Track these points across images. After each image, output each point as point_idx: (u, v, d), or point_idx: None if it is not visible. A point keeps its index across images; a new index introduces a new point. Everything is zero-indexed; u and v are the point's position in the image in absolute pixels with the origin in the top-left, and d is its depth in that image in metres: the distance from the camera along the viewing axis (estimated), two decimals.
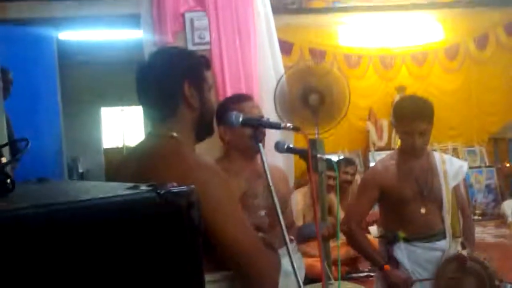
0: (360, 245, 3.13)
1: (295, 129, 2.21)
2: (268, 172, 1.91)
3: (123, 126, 12.84)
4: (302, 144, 2.27)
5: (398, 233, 3.00)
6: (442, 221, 3.03)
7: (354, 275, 5.33)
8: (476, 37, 8.86)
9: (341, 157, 6.87)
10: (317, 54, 8.21)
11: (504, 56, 8.81)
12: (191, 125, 1.80)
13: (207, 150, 2.31)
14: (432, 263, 2.98)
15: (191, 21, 4.41)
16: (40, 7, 6.04)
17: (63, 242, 0.87)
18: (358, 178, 5.87)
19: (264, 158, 1.95)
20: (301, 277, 1.88)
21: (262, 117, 2.54)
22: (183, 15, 4.43)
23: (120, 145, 12.85)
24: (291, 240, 2.29)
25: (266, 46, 4.64)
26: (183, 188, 0.99)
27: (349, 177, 5.64)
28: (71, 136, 8.28)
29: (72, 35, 8.43)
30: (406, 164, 3.02)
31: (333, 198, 5.18)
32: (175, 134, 1.75)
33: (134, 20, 4.95)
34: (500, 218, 7.70)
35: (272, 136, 3.16)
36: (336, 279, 4.32)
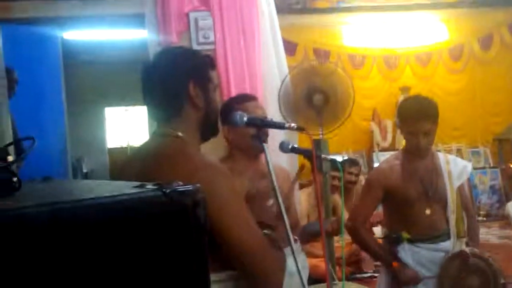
0: (366, 242, 3.14)
1: (300, 129, 2.21)
2: (272, 172, 1.91)
3: (127, 126, 12.85)
4: (307, 144, 2.27)
5: (402, 234, 3.00)
6: (447, 221, 3.03)
7: (358, 275, 5.32)
8: (481, 37, 8.84)
9: (345, 158, 6.86)
10: (321, 54, 8.22)
11: (509, 56, 8.78)
12: (196, 125, 1.80)
13: (212, 150, 2.31)
14: (436, 264, 2.98)
15: (196, 21, 4.41)
16: (45, 7, 6.06)
17: (68, 241, 0.88)
18: (362, 178, 5.86)
19: (269, 158, 1.95)
20: (305, 277, 1.88)
21: (266, 117, 2.54)
22: (187, 15, 4.43)
23: (125, 145, 12.86)
24: (295, 240, 2.29)
25: (270, 46, 4.64)
26: (189, 187, 0.99)
27: (353, 178, 5.63)
28: (76, 135, 8.30)
29: (76, 35, 8.44)
30: (410, 165, 3.02)
31: (338, 198, 5.17)
32: (180, 134, 1.75)
33: (138, 19, 4.96)
34: (504, 219, 7.68)
35: (276, 136, 3.17)
36: (340, 280, 4.32)
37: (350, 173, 5.60)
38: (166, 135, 1.78)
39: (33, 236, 0.84)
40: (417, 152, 2.98)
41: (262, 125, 2.12)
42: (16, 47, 4.80)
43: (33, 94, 5.16)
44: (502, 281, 2.89)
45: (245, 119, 2.01)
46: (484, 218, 7.94)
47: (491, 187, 8.43)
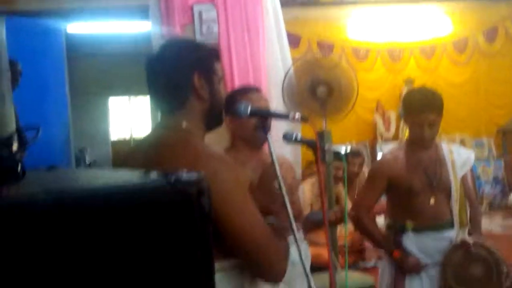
0: (369, 231, 3.15)
1: (304, 119, 2.21)
2: (276, 162, 1.91)
3: (130, 118, 12.87)
4: (310, 136, 2.28)
5: (406, 223, 3.01)
6: (450, 211, 3.04)
7: (361, 264, 5.33)
8: (485, 30, 8.82)
9: (349, 149, 6.86)
10: (325, 47, 8.20)
11: None
12: (200, 116, 1.81)
13: (215, 141, 2.32)
14: (440, 252, 2.99)
15: (200, 13, 4.40)
16: None
17: (73, 228, 0.88)
18: (365, 169, 5.86)
19: (272, 148, 1.95)
20: (308, 266, 1.88)
21: (269, 108, 2.54)
22: (191, 8, 4.42)
23: (128, 137, 12.89)
24: (297, 229, 2.30)
25: (274, 39, 4.63)
26: (193, 175, 0.99)
27: (356, 169, 5.63)
28: (79, 127, 8.32)
29: (80, 28, 8.44)
30: (414, 155, 3.02)
31: (341, 189, 5.19)
32: (184, 125, 1.75)
33: (142, 12, 4.96)
34: (507, 210, 7.69)
35: (279, 128, 3.17)
36: (342, 268, 4.33)
37: (353, 164, 5.60)
38: (170, 126, 1.78)
39: (39, 223, 0.85)
40: (421, 143, 2.99)
41: (266, 116, 2.12)
42: (19, 39, 4.82)
43: (37, 86, 5.17)
44: (505, 269, 2.89)
45: (249, 109, 2.01)
46: (487, 209, 7.95)
47: (495, 178, 8.44)
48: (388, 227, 3.22)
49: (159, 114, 1.90)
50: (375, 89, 8.49)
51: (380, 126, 8.48)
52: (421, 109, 2.89)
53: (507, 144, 8.81)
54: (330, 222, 3.05)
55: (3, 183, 0.97)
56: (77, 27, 8.27)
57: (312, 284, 1.82)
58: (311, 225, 2.80)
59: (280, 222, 1.87)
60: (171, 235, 0.99)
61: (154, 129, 1.90)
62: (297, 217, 2.21)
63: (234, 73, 4.44)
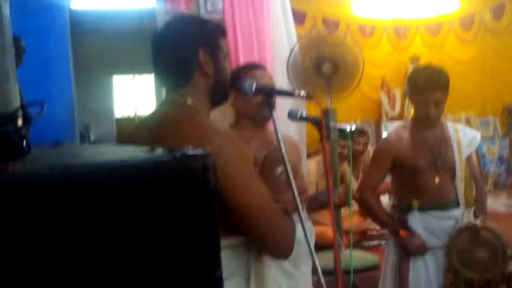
0: (374, 212, 3.15)
1: (309, 97, 2.20)
2: (281, 139, 1.91)
3: (134, 95, 12.86)
4: (315, 114, 2.27)
5: (412, 202, 3.01)
6: (455, 190, 3.04)
7: (365, 243, 5.34)
8: (492, 7, 8.71)
9: (353, 127, 6.83)
10: (331, 24, 8.13)
11: None
12: (205, 92, 1.80)
13: (219, 117, 2.31)
14: (445, 231, 3.00)
15: None
16: None
17: (78, 203, 0.88)
18: (370, 148, 5.85)
19: (278, 126, 1.94)
20: (312, 245, 1.88)
21: (274, 85, 2.53)
22: None
23: (132, 115, 12.89)
24: (302, 208, 2.30)
25: (279, 15, 4.60)
26: (199, 151, 0.99)
27: (361, 147, 5.62)
28: (83, 104, 8.31)
29: (84, 4, 8.39)
30: (420, 134, 3.01)
31: (346, 168, 5.18)
32: (189, 101, 1.75)
33: None
34: None
35: (283, 106, 3.16)
36: (346, 247, 4.34)
37: (358, 143, 5.59)
38: (175, 102, 1.78)
39: (44, 199, 0.84)
40: (426, 121, 2.97)
41: (271, 93, 2.11)
42: (23, 16, 4.79)
43: (40, 63, 5.16)
44: (510, 252, 2.90)
45: (254, 86, 2.00)
46: (492, 188, 7.94)
47: (500, 157, 8.42)
48: (393, 206, 3.23)
49: (163, 91, 1.89)
50: (380, 67, 8.44)
51: (385, 104, 8.44)
52: (427, 88, 2.87)
53: None
54: (334, 205, 3.06)
55: (8, 158, 0.97)
56: (81, 3, 8.23)
57: (317, 262, 1.82)
58: (316, 205, 2.80)
59: (282, 207, 1.87)
60: (176, 210, 0.98)
61: (159, 106, 1.90)
62: (301, 195, 2.21)
63: (239, 50, 4.42)
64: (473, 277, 2.90)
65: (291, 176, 1.88)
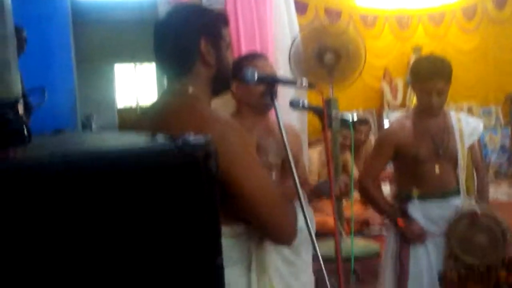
0: (375, 200, 3.15)
1: (310, 86, 2.20)
2: (282, 128, 1.91)
3: (136, 86, 12.85)
4: (317, 104, 2.27)
5: (412, 191, 3.02)
6: (457, 179, 3.04)
7: (366, 232, 5.37)
8: None
9: (355, 116, 6.84)
10: (333, 14, 8.10)
11: None
12: (207, 82, 1.80)
13: (221, 107, 2.31)
14: (446, 220, 3.00)
15: None
16: None
17: (79, 190, 0.88)
18: (372, 137, 5.85)
19: (279, 114, 1.94)
20: (313, 232, 1.89)
21: (276, 75, 2.53)
22: None
23: (134, 105, 12.89)
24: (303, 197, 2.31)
25: (282, 5, 4.59)
26: (201, 138, 0.98)
27: (362, 137, 5.63)
28: (85, 94, 8.30)
29: None
30: (422, 123, 3.01)
31: (348, 157, 5.19)
32: (190, 91, 1.75)
33: None
34: None
35: (285, 95, 3.16)
36: (347, 235, 4.36)
37: (360, 132, 5.60)
38: (176, 92, 1.78)
39: (45, 186, 0.84)
40: (429, 111, 2.97)
41: (273, 82, 2.11)
42: (24, 5, 4.78)
43: (42, 53, 5.15)
44: (510, 238, 2.90)
45: (256, 75, 2.00)
46: (494, 177, 7.95)
47: (502, 146, 8.42)
48: (395, 195, 3.24)
49: (165, 81, 1.89)
50: (382, 57, 8.42)
51: (387, 94, 8.43)
52: (430, 77, 2.87)
53: None
54: (335, 196, 3.06)
55: (9, 146, 0.97)
56: None
57: (318, 249, 1.83)
58: (318, 195, 2.81)
59: (285, 190, 1.88)
60: (177, 198, 0.98)
61: (161, 96, 1.90)
62: (302, 185, 2.21)
63: (241, 40, 4.41)
64: (473, 262, 2.91)
65: (292, 164, 1.88)
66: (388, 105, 8.41)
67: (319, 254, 1.81)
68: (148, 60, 11.40)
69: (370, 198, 3.19)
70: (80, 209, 0.88)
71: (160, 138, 1.01)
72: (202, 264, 1.00)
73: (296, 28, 4.63)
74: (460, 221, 2.96)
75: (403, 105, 8.30)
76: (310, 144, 5.59)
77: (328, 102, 4.04)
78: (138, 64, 12.67)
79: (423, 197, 3.02)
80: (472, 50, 8.73)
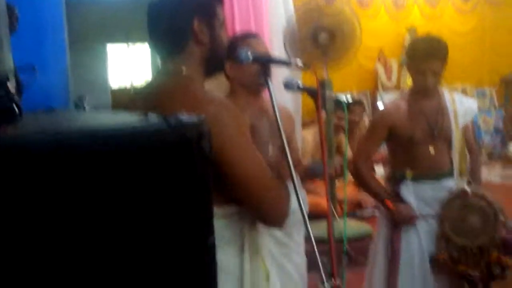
0: (366, 182, 3.14)
1: (305, 66, 2.19)
2: (276, 108, 1.90)
3: (129, 66, 12.78)
4: (311, 84, 2.26)
5: (406, 172, 3.01)
6: (451, 160, 3.04)
7: (358, 213, 5.39)
8: None
9: (349, 98, 6.83)
10: None
11: None
12: (200, 61, 1.78)
13: (215, 88, 2.29)
14: (438, 201, 3.00)
15: None
16: None
17: (71, 169, 0.87)
18: (365, 119, 5.85)
19: (273, 94, 1.93)
20: (306, 214, 1.89)
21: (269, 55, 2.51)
22: None
23: (128, 86, 12.83)
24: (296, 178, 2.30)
25: None
26: (194, 118, 0.98)
27: (356, 118, 5.62)
28: (78, 74, 8.24)
29: None
30: (416, 104, 3.00)
31: (342, 138, 5.19)
32: (184, 71, 1.73)
33: None
34: (506, 160, 7.73)
35: (279, 76, 3.14)
36: (340, 217, 4.37)
37: (354, 113, 5.59)
38: (170, 72, 1.76)
39: (37, 163, 0.84)
40: (424, 91, 2.96)
41: (268, 62, 2.09)
42: None
43: (34, 32, 5.10)
44: (502, 218, 2.91)
45: (250, 55, 1.98)
46: (487, 158, 7.98)
47: (495, 128, 8.44)
48: (388, 177, 3.23)
49: (159, 61, 1.88)
50: (377, 37, 8.39)
51: (382, 75, 8.41)
52: (425, 57, 2.86)
53: (509, 94, 8.78)
54: (330, 177, 3.07)
55: (0, 123, 0.96)
56: None
57: (310, 231, 1.83)
58: (311, 176, 2.81)
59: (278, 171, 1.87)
60: (170, 177, 0.98)
61: (154, 76, 1.89)
62: (295, 166, 2.21)
63: (235, 20, 4.38)
64: (465, 244, 2.92)
65: (286, 145, 1.88)
66: (382, 87, 8.39)
67: (311, 235, 1.81)
68: (142, 40, 11.32)
69: (361, 179, 3.17)
70: (71, 187, 0.87)
71: (153, 117, 1.00)
72: (194, 243, 1.00)
73: (291, 8, 4.60)
74: (452, 201, 2.97)
75: (397, 86, 8.29)
76: (305, 125, 5.58)
77: (322, 83, 4.03)
78: (131, 45, 12.58)
79: (416, 178, 3.02)
80: (468, 31, 8.71)
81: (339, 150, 5.07)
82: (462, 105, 3.07)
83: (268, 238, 1.93)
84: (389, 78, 8.44)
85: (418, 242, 3.04)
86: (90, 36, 10.80)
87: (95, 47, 11.51)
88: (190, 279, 0.99)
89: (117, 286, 0.93)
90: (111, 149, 0.90)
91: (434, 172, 3.03)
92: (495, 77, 8.85)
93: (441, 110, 3.02)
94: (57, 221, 0.86)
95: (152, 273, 0.96)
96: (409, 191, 3.03)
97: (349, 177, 3.41)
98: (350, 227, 4.52)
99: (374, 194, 3.20)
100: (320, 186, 4.70)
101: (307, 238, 1.87)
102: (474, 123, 7.76)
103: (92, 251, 0.90)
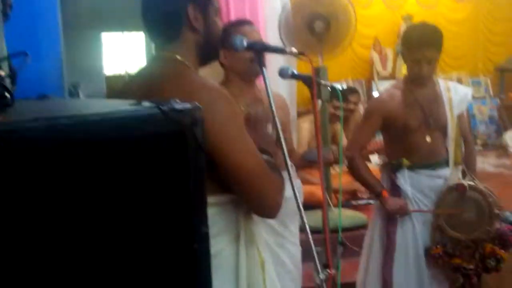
0: (360, 173, 3.12)
1: (300, 54, 2.17)
2: (271, 95, 1.88)
3: (124, 52, 12.71)
4: (306, 72, 2.24)
5: (402, 160, 3.00)
6: (446, 149, 3.04)
7: (354, 202, 5.38)
8: None
9: (345, 86, 6.81)
10: None
11: None
12: (194, 48, 1.77)
13: (209, 75, 2.28)
14: (434, 190, 3.00)
15: None
16: None
17: (63, 156, 0.86)
18: (361, 107, 5.84)
19: (268, 82, 1.92)
20: (300, 202, 1.88)
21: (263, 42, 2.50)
22: None
23: (123, 73, 12.77)
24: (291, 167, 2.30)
25: None
26: (187, 105, 0.97)
27: (351, 106, 5.61)
28: (72, 62, 8.18)
29: None
30: (412, 93, 2.99)
31: (338, 127, 5.18)
32: (178, 57, 1.72)
33: None
34: (501, 149, 7.74)
35: (274, 64, 3.13)
36: (335, 206, 4.37)
37: (349, 102, 5.57)
38: (164, 58, 1.75)
39: (28, 151, 0.83)
40: (419, 80, 2.95)
41: (262, 49, 2.07)
42: None
43: (28, 19, 5.05)
44: (497, 211, 2.91)
45: (245, 43, 1.97)
46: (481, 147, 7.99)
47: (490, 117, 8.44)
48: (383, 165, 3.22)
49: (153, 48, 1.86)
50: (372, 26, 8.35)
51: (377, 64, 8.38)
52: (420, 46, 2.84)
53: (504, 83, 8.78)
54: (328, 161, 3.05)
55: None
56: None
57: (305, 220, 1.82)
58: (306, 163, 2.80)
59: (275, 161, 1.86)
60: (163, 165, 0.97)
61: (148, 63, 1.87)
62: (289, 154, 2.21)
63: (230, 8, 4.36)
64: (460, 237, 2.93)
65: (280, 133, 1.87)
66: (378, 75, 8.37)
67: (306, 225, 1.80)
68: (137, 27, 11.26)
69: (356, 170, 3.13)
70: (63, 174, 0.87)
71: (146, 104, 1.00)
72: (187, 231, 0.99)
73: None
74: (448, 194, 2.96)
75: (392, 75, 8.26)
76: (301, 115, 5.57)
77: (318, 71, 4.02)
78: (126, 32, 12.52)
79: (412, 167, 3.01)
80: (463, 20, 8.69)
81: (335, 140, 5.06)
82: (457, 94, 3.06)
83: (263, 228, 1.92)
84: (384, 66, 8.41)
85: (413, 233, 3.04)
86: (85, 23, 10.72)
87: (90, 34, 11.44)
88: (183, 268, 0.99)
89: (109, 274, 0.92)
90: (103, 136, 0.90)
91: (430, 161, 3.02)
92: (489, 66, 8.85)
93: (436, 99, 3.01)
94: (48, 208, 0.86)
95: (144, 261, 0.95)
96: (405, 180, 3.02)
97: (344, 166, 3.40)
98: (345, 216, 4.52)
99: (367, 185, 3.17)
100: (314, 175, 4.70)
101: (302, 228, 1.87)
102: (469, 111, 7.79)
103: (83, 238, 0.89)
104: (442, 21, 7.92)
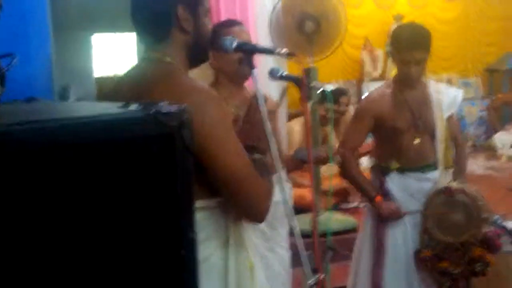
0: (352, 175, 3.11)
1: (290, 54, 2.17)
2: (260, 96, 1.87)
3: (114, 54, 12.66)
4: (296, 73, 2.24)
5: (391, 163, 3.00)
6: (435, 151, 3.03)
7: (343, 206, 5.38)
8: None
9: (335, 87, 6.79)
10: None
11: None
12: (184, 49, 1.76)
13: (198, 77, 2.27)
14: (423, 193, 2.99)
15: None
16: None
17: (51, 159, 0.85)
18: (351, 108, 5.83)
19: (257, 83, 1.91)
20: (290, 208, 1.87)
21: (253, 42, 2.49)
22: None
23: (112, 74, 12.72)
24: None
25: None
26: (175, 107, 0.96)
27: (342, 108, 5.60)
28: (62, 63, 8.15)
29: None
30: (401, 94, 2.98)
31: (328, 129, 5.18)
32: (168, 59, 1.71)
33: None
34: (490, 150, 7.75)
35: (264, 65, 3.12)
36: (325, 209, 4.37)
37: (340, 103, 5.56)
38: (154, 59, 1.74)
39: (14, 154, 0.82)
40: (408, 81, 2.95)
41: (252, 51, 2.07)
42: None
43: (17, 20, 5.02)
44: (485, 215, 2.91)
45: (234, 44, 1.96)
46: (470, 149, 8.00)
47: (480, 118, 8.46)
48: (373, 168, 3.21)
49: (143, 49, 1.85)
50: (363, 26, 8.35)
51: (368, 65, 8.39)
52: (409, 47, 2.83)
53: (494, 84, 8.81)
54: (318, 160, 3.04)
55: None
56: None
57: (294, 223, 1.81)
58: (297, 163, 2.79)
59: (266, 159, 1.85)
60: (150, 168, 0.97)
61: (137, 64, 1.85)
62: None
63: (221, 8, 4.35)
64: (448, 240, 2.92)
65: (270, 135, 1.86)
66: (368, 76, 8.37)
67: (296, 228, 1.79)
68: (127, 28, 11.22)
69: (347, 171, 3.12)
70: (49, 179, 0.86)
71: (133, 107, 0.99)
72: (174, 236, 0.98)
73: None
74: (436, 197, 2.95)
75: (383, 76, 8.26)
76: (292, 116, 5.56)
77: (308, 72, 4.01)
78: (118, 33, 12.47)
79: (401, 170, 3.01)
80: (454, 20, 8.72)
81: (325, 142, 5.06)
82: (447, 96, 3.05)
83: (252, 232, 1.91)
84: (375, 67, 8.42)
85: (404, 236, 3.04)
86: (75, 25, 10.68)
87: (80, 35, 11.39)
88: (169, 274, 0.98)
89: (94, 279, 0.91)
90: (91, 139, 0.89)
91: (419, 163, 3.02)
92: (479, 67, 8.88)
93: (425, 101, 3.01)
94: (36, 211, 0.85)
95: (130, 266, 0.94)
96: (393, 183, 3.02)
97: (334, 169, 3.39)
98: (335, 220, 4.52)
99: (360, 188, 3.14)
100: (305, 177, 4.70)
101: (292, 232, 1.86)
102: (459, 113, 7.80)
103: (70, 241, 0.89)
104: (432, 21, 7.95)
